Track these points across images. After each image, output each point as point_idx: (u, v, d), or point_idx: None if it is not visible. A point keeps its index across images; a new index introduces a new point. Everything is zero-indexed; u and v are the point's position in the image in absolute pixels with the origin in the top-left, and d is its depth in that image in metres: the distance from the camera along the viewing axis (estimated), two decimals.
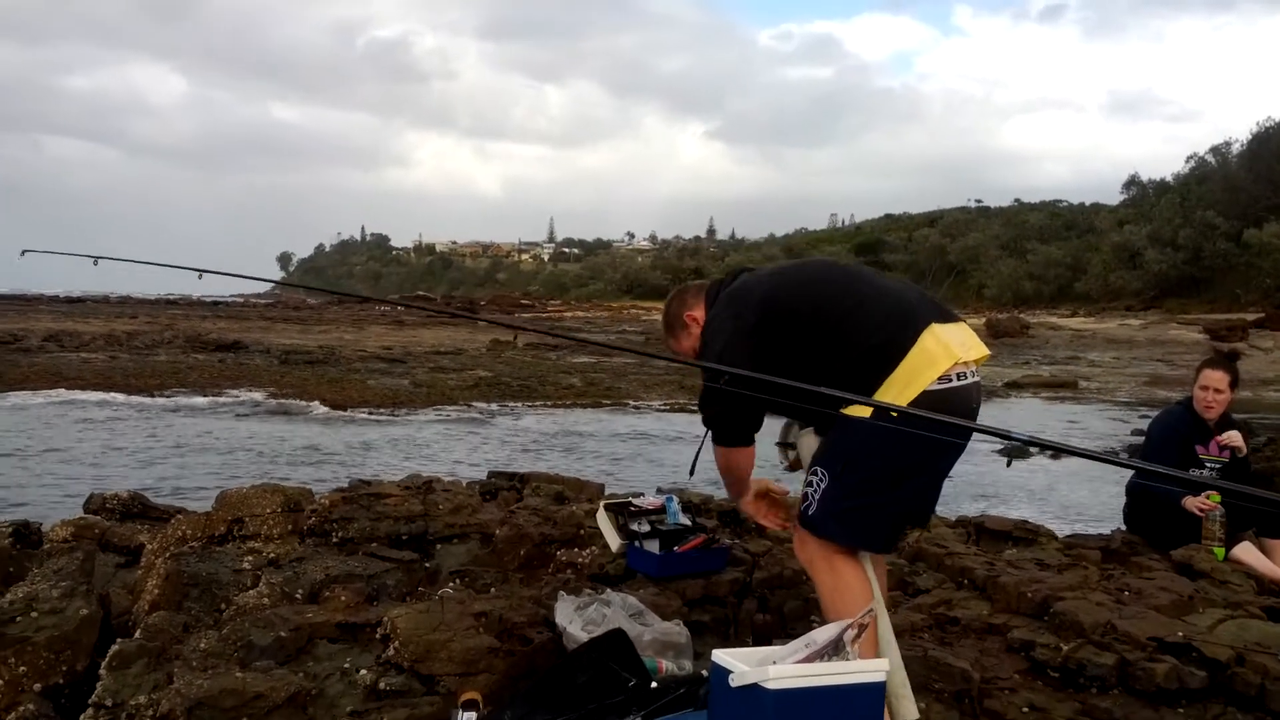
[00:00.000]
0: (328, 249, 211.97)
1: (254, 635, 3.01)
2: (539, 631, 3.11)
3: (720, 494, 4.01)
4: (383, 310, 50.42)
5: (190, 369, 20.66)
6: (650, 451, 13.06)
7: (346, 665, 2.93)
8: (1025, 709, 2.92)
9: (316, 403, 16.71)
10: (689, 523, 3.76)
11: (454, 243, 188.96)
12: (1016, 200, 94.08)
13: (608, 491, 5.32)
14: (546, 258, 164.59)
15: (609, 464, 11.91)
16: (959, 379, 2.62)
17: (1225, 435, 4.98)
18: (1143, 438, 5.71)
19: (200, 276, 4.04)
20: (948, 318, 2.74)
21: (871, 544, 2.76)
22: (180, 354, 23.92)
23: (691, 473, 3.37)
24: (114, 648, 2.92)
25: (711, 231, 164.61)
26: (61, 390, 17.32)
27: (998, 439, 2.44)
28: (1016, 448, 12.40)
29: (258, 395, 17.52)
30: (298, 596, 3.44)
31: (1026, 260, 67.69)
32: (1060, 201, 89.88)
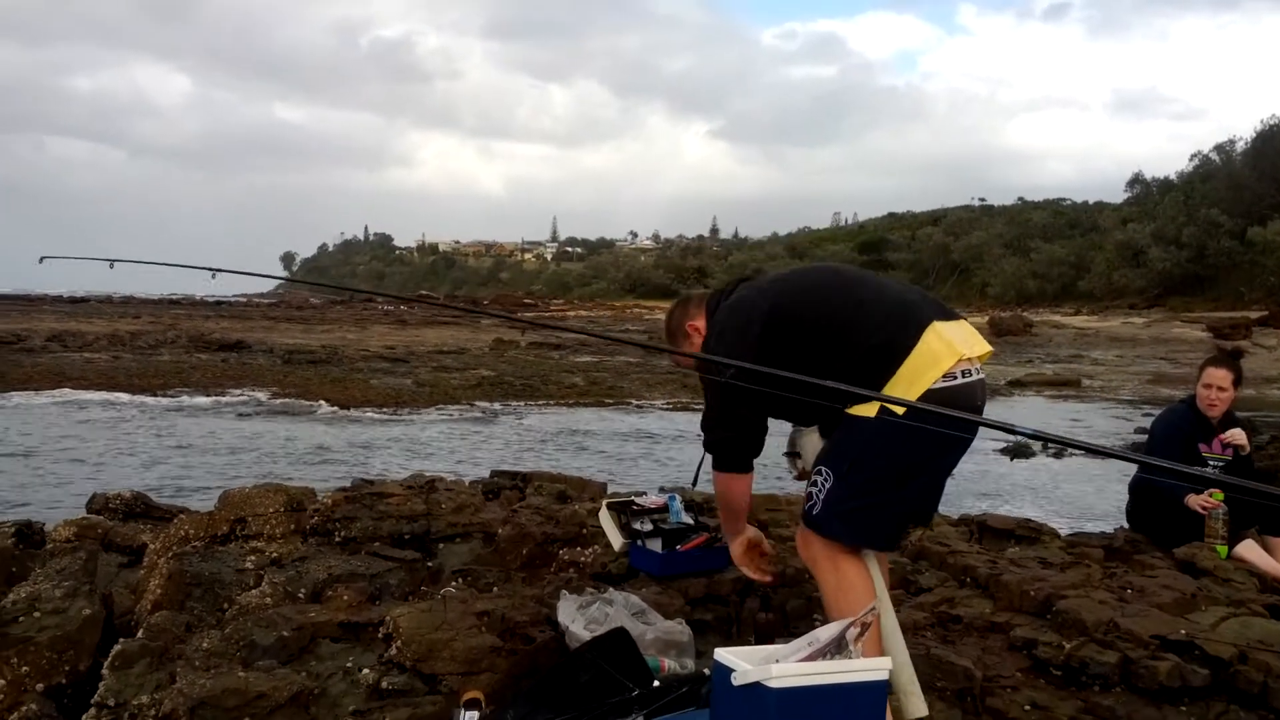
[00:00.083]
0: (331, 249, 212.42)
1: (256, 635, 3.01)
2: (541, 630, 3.11)
3: None
4: (386, 309, 50.45)
5: (193, 369, 20.67)
6: (653, 450, 13.06)
7: (349, 664, 2.93)
8: (1028, 707, 2.92)
9: (319, 402, 16.72)
10: (691, 521, 3.76)
11: (457, 242, 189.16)
12: (1020, 199, 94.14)
13: (610, 490, 5.32)
14: (549, 257, 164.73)
15: (611, 463, 11.91)
16: (963, 376, 2.62)
17: (1229, 433, 4.98)
18: (1146, 436, 5.70)
19: (214, 276, 4.10)
20: (949, 315, 2.74)
21: (876, 543, 2.77)
22: (183, 354, 23.94)
23: (695, 483, 3.39)
24: (117, 647, 2.93)
25: (715, 231, 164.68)
26: (65, 390, 17.33)
27: (1002, 437, 2.44)
28: (1020, 446, 12.40)
29: (260, 395, 17.53)
30: (300, 596, 3.44)
31: (1030, 259, 67.64)
32: (1064, 200, 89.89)
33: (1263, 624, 3.41)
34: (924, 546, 4.35)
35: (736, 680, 2.18)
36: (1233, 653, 3.08)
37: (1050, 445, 12.27)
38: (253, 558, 3.77)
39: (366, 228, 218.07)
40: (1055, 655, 3.16)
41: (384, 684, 2.81)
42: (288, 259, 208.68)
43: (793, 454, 2.99)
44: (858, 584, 2.64)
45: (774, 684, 2.12)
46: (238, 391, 17.85)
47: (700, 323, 3.02)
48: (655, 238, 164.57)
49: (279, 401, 16.87)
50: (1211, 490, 4.68)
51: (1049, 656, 3.17)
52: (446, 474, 6.05)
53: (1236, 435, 4.98)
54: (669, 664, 2.96)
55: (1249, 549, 4.63)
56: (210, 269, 4.04)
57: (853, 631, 2.26)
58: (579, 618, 3.08)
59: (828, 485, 2.65)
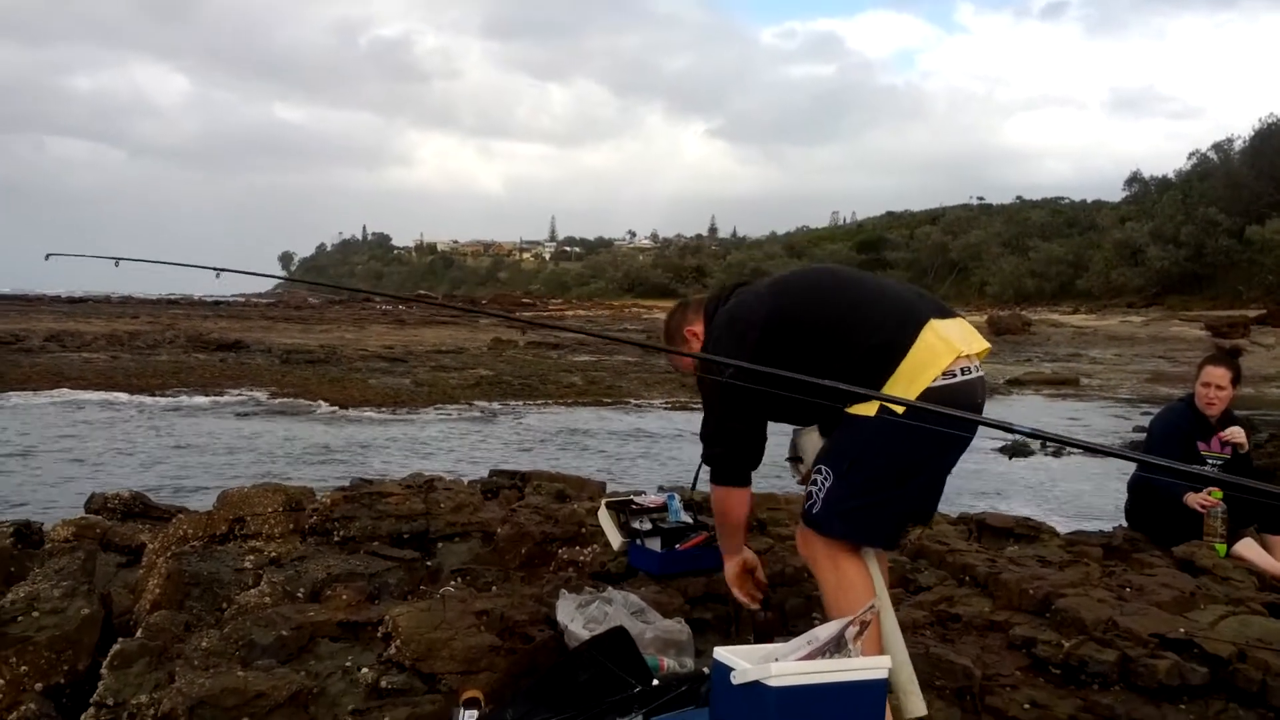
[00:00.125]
0: (329, 249, 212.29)
1: (255, 634, 3.01)
2: (540, 630, 3.11)
3: None
4: (384, 309, 50.45)
5: (191, 369, 20.66)
6: (652, 449, 13.06)
7: (348, 664, 2.93)
8: (1027, 706, 2.92)
9: (318, 402, 16.72)
10: (690, 520, 3.76)
11: (455, 242, 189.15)
12: (1018, 197, 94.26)
13: (609, 489, 5.32)
14: (548, 256, 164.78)
15: (610, 462, 11.91)
16: (963, 374, 2.62)
17: (1228, 431, 4.98)
18: (1144, 434, 5.70)
19: (218, 275, 4.11)
20: (946, 313, 2.74)
21: (876, 541, 2.77)
22: (182, 354, 23.92)
23: (694, 486, 3.39)
24: (115, 647, 2.92)
25: (713, 230, 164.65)
26: (63, 390, 17.33)
27: (1001, 436, 2.44)
28: (1018, 445, 12.41)
29: (259, 395, 17.53)
30: (299, 595, 3.44)
31: (1028, 257, 67.69)
32: (1062, 199, 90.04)
33: (1261, 622, 3.41)
34: (923, 545, 4.35)
35: (736, 679, 2.18)
36: (1231, 651, 3.08)
37: (1049, 444, 12.28)
38: (251, 557, 3.77)
39: (365, 227, 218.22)
40: (1054, 654, 3.16)
41: (383, 683, 2.81)
42: (286, 259, 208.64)
43: (795, 459, 2.99)
44: (858, 583, 2.64)
45: (773, 683, 2.12)
46: (236, 391, 17.84)
47: (698, 328, 3.02)
48: (654, 237, 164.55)
49: (277, 401, 16.87)
50: (1210, 489, 4.68)
51: (1048, 655, 3.17)
52: (445, 473, 6.04)
53: (1236, 433, 4.98)
54: (668, 663, 2.96)
55: (1248, 547, 4.64)
56: (215, 268, 4.06)
57: (852, 630, 2.26)
58: (578, 617, 3.08)
59: (828, 484, 2.65)
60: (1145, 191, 70.62)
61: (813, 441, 2.86)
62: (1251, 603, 3.66)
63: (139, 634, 3.10)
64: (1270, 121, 58.45)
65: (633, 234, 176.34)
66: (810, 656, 2.22)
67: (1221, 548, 4.55)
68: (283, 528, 4.03)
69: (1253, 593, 3.87)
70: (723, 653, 2.28)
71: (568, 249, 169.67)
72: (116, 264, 4.20)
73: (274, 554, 3.80)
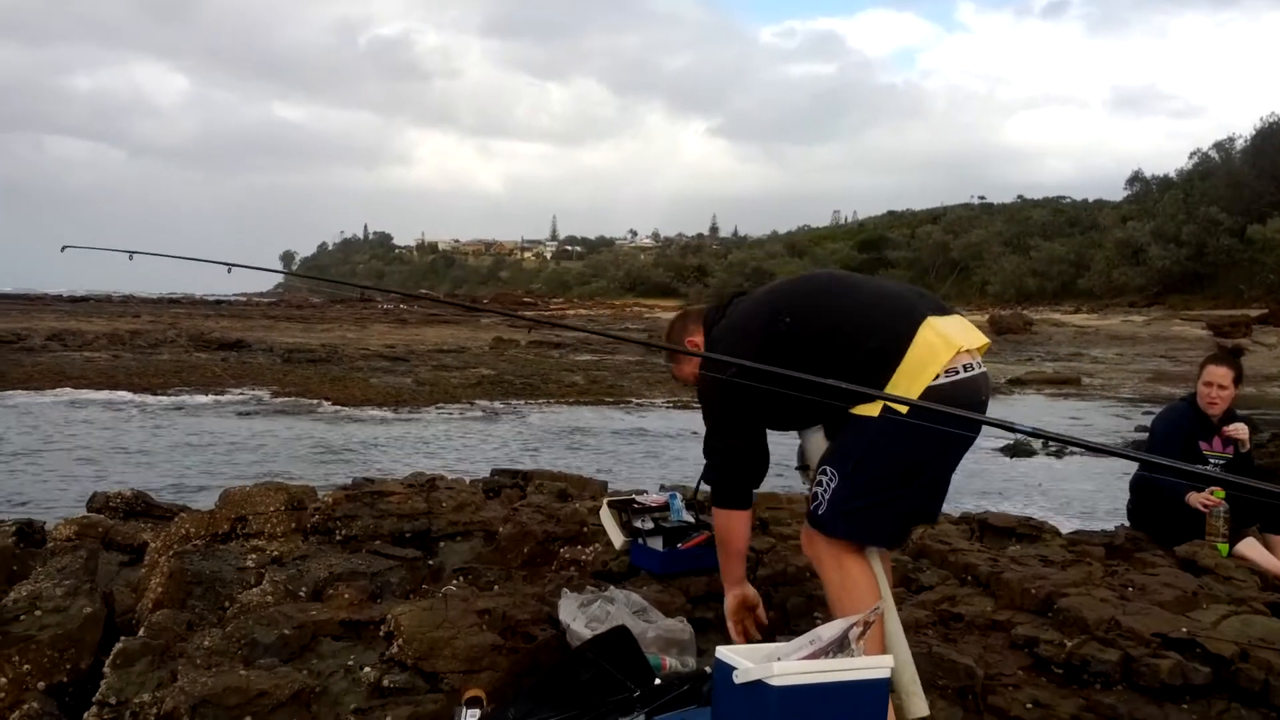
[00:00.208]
0: (330, 248, 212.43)
1: (257, 633, 3.01)
2: (542, 629, 3.10)
3: None
4: (385, 308, 50.47)
5: (193, 368, 20.68)
6: (653, 449, 13.07)
7: (350, 663, 2.93)
8: (1029, 705, 2.92)
9: (319, 401, 16.73)
10: (692, 520, 3.76)
11: (456, 241, 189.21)
12: (1020, 197, 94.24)
13: (611, 488, 5.32)
14: (549, 255, 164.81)
15: (612, 461, 11.92)
16: (965, 370, 2.62)
17: (1231, 426, 4.98)
18: (1146, 434, 5.70)
19: (229, 271, 4.18)
20: (944, 311, 2.75)
21: (880, 540, 2.78)
22: (183, 353, 23.95)
23: (696, 490, 3.39)
24: (118, 646, 2.92)
25: (714, 229, 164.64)
26: (65, 389, 17.35)
27: (1003, 436, 2.45)
28: (1020, 445, 12.40)
29: (261, 394, 17.55)
30: (301, 594, 3.44)
31: (1030, 257, 67.67)
32: (1063, 198, 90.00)
33: (1264, 622, 3.41)
34: (925, 545, 4.35)
35: (738, 678, 2.18)
36: (1234, 651, 3.07)
37: (1051, 444, 12.27)
38: (254, 556, 3.77)
39: (366, 226, 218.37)
40: (1056, 653, 3.16)
41: (385, 682, 2.81)
42: (287, 258, 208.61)
43: (805, 468, 2.99)
44: (862, 583, 2.64)
45: (776, 682, 2.12)
46: (238, 390, 17.86)
47: (698, 338, 3.04)
48: (655, 236, 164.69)
49: (279, 400, 16.88)
50: (1212, 488, 4.68)
51: (1050, 654, 3.17)
52: (447, 472, 6.05)
53: (1239, 429, 4.98)
54: (670, 662, 2.96)
55: (1250, 547, 4.63)
56: (226, 264, 4.11)
57: (855, 630, 2.26)
58: (580, 616, 3.08)
59: (833, 485, 2.65)
60: (1147, 191, 70.62)
61: (817, 443, 2.86)
62: (1254, 602, 3.65)
63: (141, 633, 3.10)
64: (1272, 120, 58.51)
65: (634, 233, 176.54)
66: (813, 656, 2.22)
67: (1224, 547, 4.55)
68: (285, 527, 4.03)
69: (1255, 592, 3.87)
70: (725, 652, 2.28)
71: (569, 248, 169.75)
72: (130, 257, 4.26)
73: (276, 553, 3.80)
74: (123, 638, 3.03)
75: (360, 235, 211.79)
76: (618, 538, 3.73)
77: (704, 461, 2.96)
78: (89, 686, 2.86)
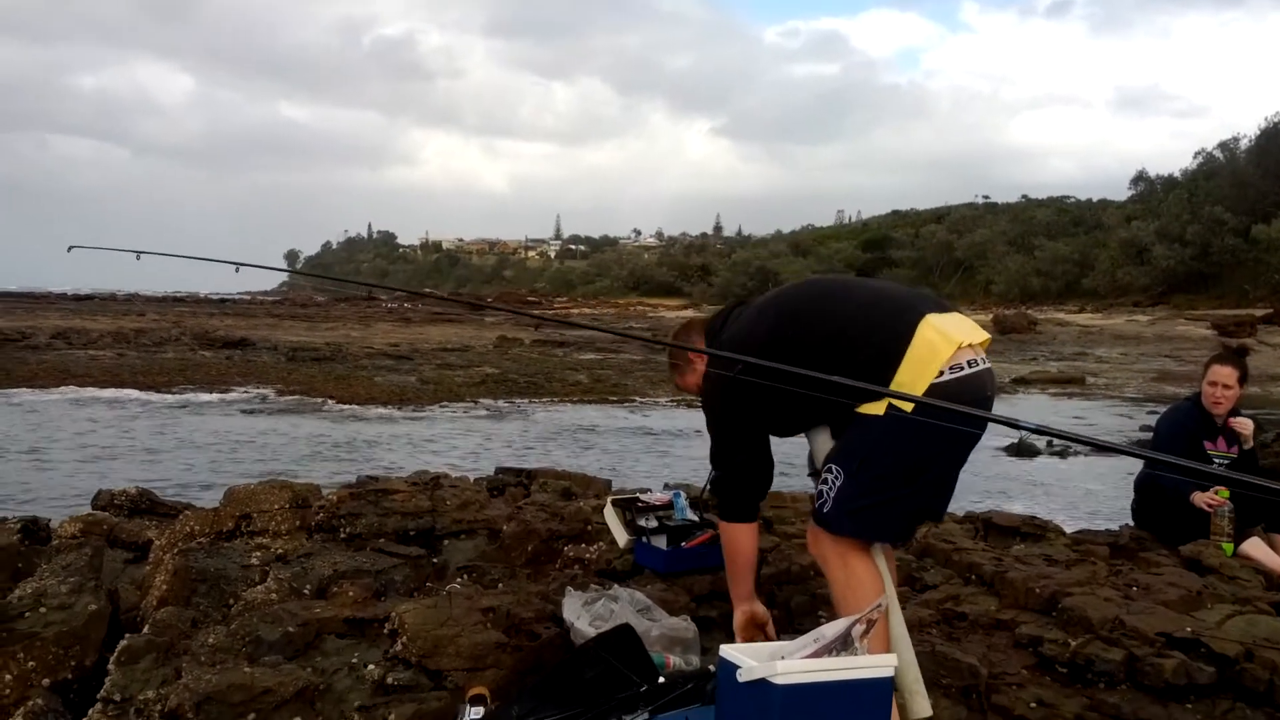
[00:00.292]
0: (335, 247, 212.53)
1: (262, 630, 3.01)
2: (546, 627, 3.11)
3: None
4: (389, 306, 50.51)
5: (198, 366, 20.72)
6: (657, 447, 13.07)
7: (354, 660, 2.94)
8: (1033, 704, 2.92)
9: (324, 399, 16.75)
10: (696, 518, 3.76)
11: (460, 240, 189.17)
12: (1024, 196, 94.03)
13: (615, 487, 5.32)
14: (553, 255, 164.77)
15: (616, 460, 11.92)
16: (970, 366, 2.62)
17: (1236, 420, 4.98)
18: (1150, 434, 5.69)
19: (237, 270, 4.22)
20: (943, 309, 2.75)
21: (886, 537, 2.78)
22: (188, 351, 23.99)
23: (703, 493, 3.39)
24: (122, 643, 2.93)
25: (718, 228, 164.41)
26: (69, 387, 17.39)
27: (1007, 436, 2.44)
28: (1024, 445, 12.39)
29: (265, 392, 17.57)
30: (305, 592, 3.44)
31: (1034, 256, 67.54)
32: (1068, 197, 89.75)
33: (1269, 621, 3.40)
34: (929, 544, 4.35)
35: (742, 676, 2.18)
36: (1238, 650, 3.07)
37: (1055, 443, 12.26)
38: (258, 554, 3.78)
39: (370, 225, 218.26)
40: (1061, 652, 3.16)
41: (389, 680, 2.81)
42: (291, 257, 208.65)
43: (816, 473, 2.99)
44: (867, 581, 2.64)
45: (779, 680, 2.12)
46: (242, 389, 17.89)
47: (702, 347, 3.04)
48: (659, 235, 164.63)
49: (284, 399, 16.90)
50: (1217, 488, 4.68)
51: (1054, 654, 3.17)
52: (451, 471, 6.05)
53: (1244, 424, 4.98)
54: (674, 660, 2.96)
55: (1255, 546, 4.62)
56: (234, 263, 4.13)
57: (858, 628, 2.26)
58: (584, 614, 3.08)
59: (838, 483, 2.65)
60: (1151, 190, 70.44)
61: (824, 445, 2.86)
62: (1259, 602, 3.65)
63: (146, 630, 3.11)
64: (1276, 120, 58.39)
65: (638, 232, 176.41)
66: (816, 654, 2.22)
67: (1228, 547, 4.54)
68: (289, 524, 4.03)
69: (1260, 592, 3.86)
70: (729, 650, 2.28)
71: (573, 247, 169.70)
72: (138, 257, 4.28)
73: (280, 550, 3.80)
74: (127, 635, 3.04)
75: (364, 234, 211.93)
76: (622, 536, 3.73)
77: (711, 466, 2.97)
78: (93, 683, 2.87)
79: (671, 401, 17.75)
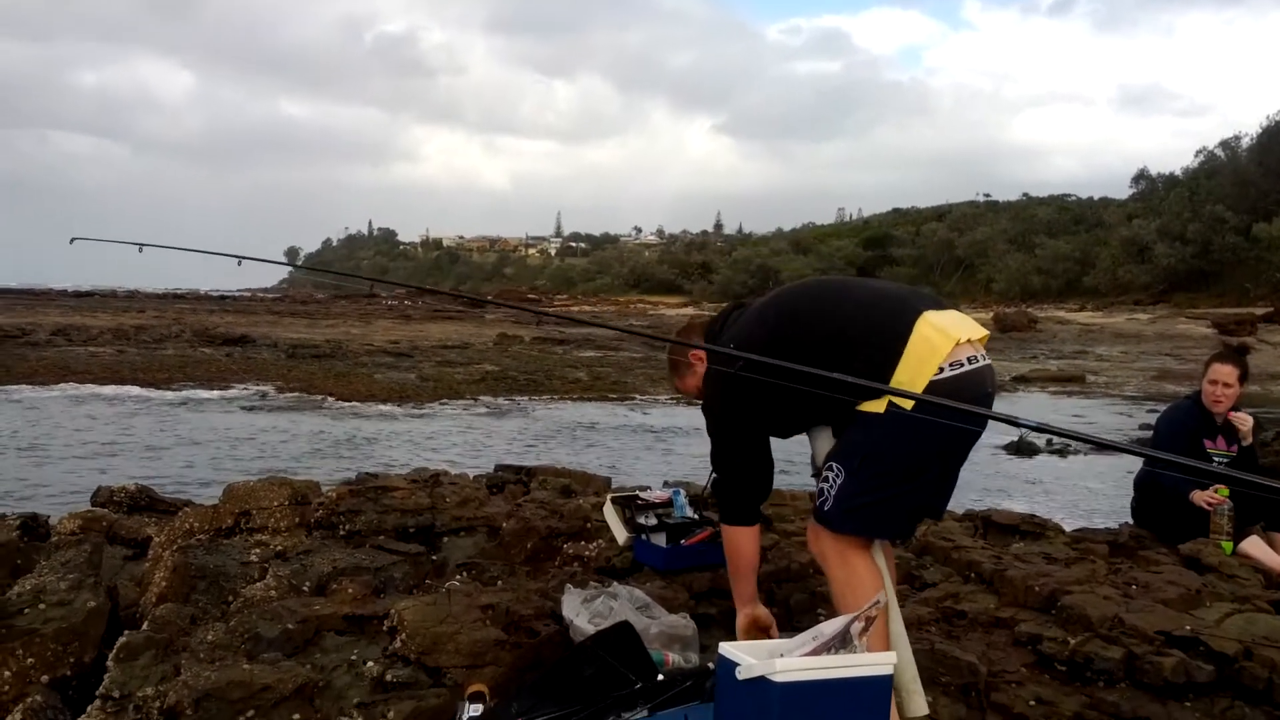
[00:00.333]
0: (335, 244, 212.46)
1: (261, 627, 3.01)
2: (546, 624, 3.11)
3: None
4: (390, 304, 50.52)
5: (198, 363, 20.72)
6: (657, 445, 13.07)
7: (353, 657, 2.94)
8: (1032, 702, 2.92)
9: (324, 396, 16.75)
10: (696, 516, 3.76)
11: (461, 237, 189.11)
12: (1025, 194, 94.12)
13: (615, 484, 5.32)
14: (554, 252, 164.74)
15: (616, 457, 11.91)
16: (970, 362, 2.62)
17: (1236, 414, 4.98)
18: (1150, 432, 5.69)
19: (240, 264, 4.19)
20: (939, 306, 2.75)
21: (887, 534, 2.79)
22: (188, 348, 24.00)
23: (706, 490, 3.39)
24: (121, 640, 2.93)
25: (719, 226, 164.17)
26: (69, 384, 17.39)
27: (1006, 435, 2.44)
28: (1024, 444, 12.40)
29: (265, 389, 17.57)
30: (305, 589, 3.44)
31: (1035, 254, 67.57)
32: (1069, 196, 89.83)
33: (1268, 620, 3.41)
34: (929, 542, 4.35)
35: (741, 674, 2.18)
36: (1238, 649, 3.07)
37: (1055, 441, 12.26)
38: (257, 551, 3.78)
39: (370, 222, 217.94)
40: (1060, 651, 3.16)
41: (388, 677, 2.81)
42: (292, 254, 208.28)
43: (818, 473, 2.99)
44: (867, 579, 2.64)
45: (778, 678, 2.12)
46: (242, 386, 17.90)
47: (701, 352, 3.04)
48: (659, 233, 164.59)
49: (283, 396, 16.90)
50: (1217, 486, 4.68)
51: (1054, 652, 3.17)
52: (450, 468, 6.05)
53: (1243, 419, 4.98)
54: (673, 658, 2.96)
55: (1254, 545, 4.63)
56: (236, 256, 4.13)
57: (857, 626, 2.26)
58: (583, 611, 3.08)
59: (839, 481, 2.65)
60: (1152, 189, 70.46)
61: (825, 444, 2.86)
62: (1258, 600, 3.65)
63: (145, 627, 3.11)
64: (1278, 119, 58.37)
65: (638, 230, 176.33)
66: (815, 652, 2.22)
67: (1228, 545, 4.54)
68: (288, 521, 4.04)
69: (1259, 590, 3.86)
70: (728, 648, 2.28)
71: (573, 245, 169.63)
72: (140, 249, 4.28)
73: (280, 547, 3.81)
74: (126, 631, 3.04)
75: (365, 232, 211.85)
76: (621, 534, 3.73)
77: (712, 469, 2.97)
78: (92, 680, 2.86)
79: (671, 399, 17.75)
